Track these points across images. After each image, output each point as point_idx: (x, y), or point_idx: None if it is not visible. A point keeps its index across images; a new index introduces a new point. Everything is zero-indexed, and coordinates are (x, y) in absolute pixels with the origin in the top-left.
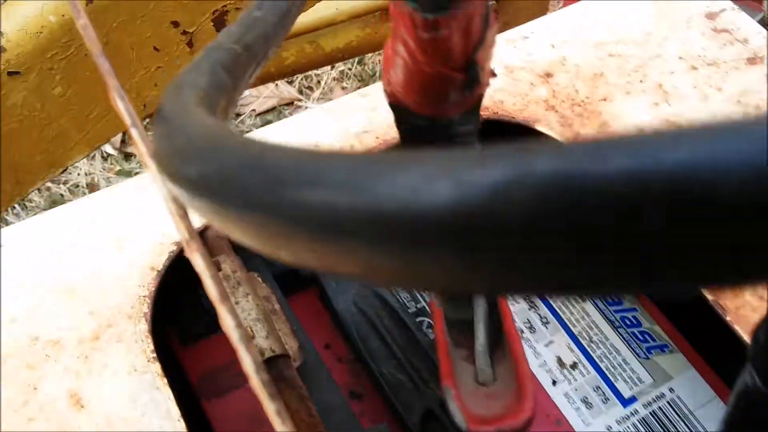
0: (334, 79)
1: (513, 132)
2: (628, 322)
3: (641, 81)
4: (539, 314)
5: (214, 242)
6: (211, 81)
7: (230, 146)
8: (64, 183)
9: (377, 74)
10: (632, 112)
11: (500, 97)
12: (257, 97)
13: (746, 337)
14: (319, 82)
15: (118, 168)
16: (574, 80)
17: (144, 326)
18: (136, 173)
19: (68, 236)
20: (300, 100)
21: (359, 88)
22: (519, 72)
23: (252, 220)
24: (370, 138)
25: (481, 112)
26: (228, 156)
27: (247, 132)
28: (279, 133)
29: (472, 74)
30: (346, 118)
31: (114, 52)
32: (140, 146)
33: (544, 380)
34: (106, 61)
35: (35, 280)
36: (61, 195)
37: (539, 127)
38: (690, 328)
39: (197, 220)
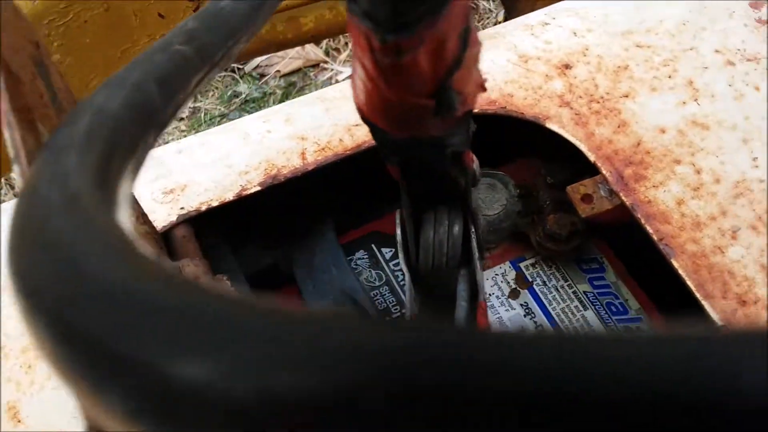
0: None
1: (522, 129)
2: None
3: (669, 76)
4: (535, 321)
5: (180, 244)
6: (120, 122)
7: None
8: None
9: None
10: (656, 112)
11: (510, 89)
12: (283, 58)
13: None
14: (346, 43)
15: None
16: (595, 73)
17: None
18: None
19: None
20: (326, 62)
21: None
22: (534, 62)
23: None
24: (362, 132)
25: (488, 107)
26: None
27: (270, 94)
28: (268, 123)
29: (445, 102)
30: (338, 109)
31: (115, 20)
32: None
33: None
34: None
35: None
36: None
37: (550, 125)
38: None
39: (161, 220)
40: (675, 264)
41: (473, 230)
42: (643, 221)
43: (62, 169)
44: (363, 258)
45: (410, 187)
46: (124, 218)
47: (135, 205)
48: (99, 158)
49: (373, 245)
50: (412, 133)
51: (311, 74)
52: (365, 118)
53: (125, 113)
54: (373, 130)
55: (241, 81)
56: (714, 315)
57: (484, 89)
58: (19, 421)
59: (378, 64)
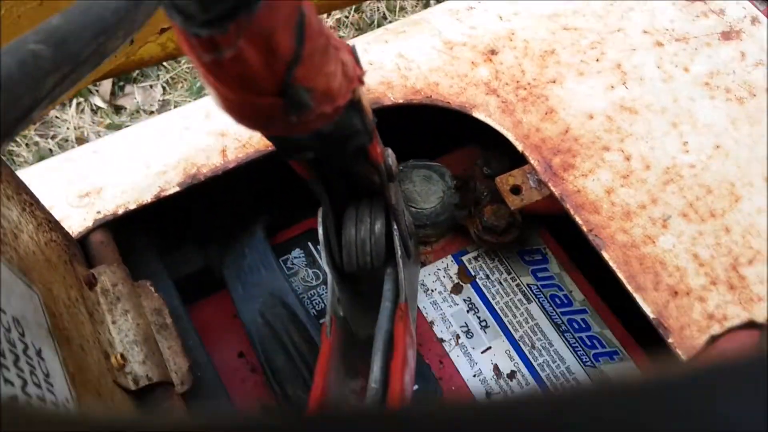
0: (330, 27)
1: (451, 118)
2: (576, 326)
3: (597, 60)
4: (478, 317)
5: (97, 251)
6: None
7: None
8: (53, 138)
9: (375, 23)
10: (583, 97)
11: (435, 78)
12: None
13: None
14: None
15: (107, 121)
16: (521, 59)
17: None
18: (127, 126)
19: None
20: None
21: (356, 36)
22: (459, 49)
23: None
24: None
25: (413, 97)
26: None
27: None
28: (187, 119)
29: (293, 100)
30: None
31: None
32: None
33: (477, 391)
34: None
35: None
36: (50, 150)
37: (477, 114)
38: (644, 332)
39: (78, 225)
40: (605, 256)
41: (396, 227)
42: (572, 212)
43: None
44: (299, 257)
45: (323, 184)
46: None
47: (39, 211)
48: None
49: (309, 243)
50: (283, 133)
51: None
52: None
53: None
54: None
55: None
56: (646, 308)
57: (360, 82)
58: None
59: (201, 62)
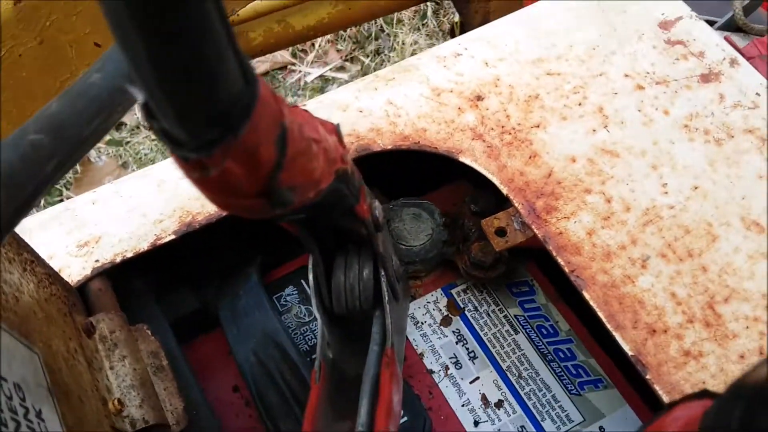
0: (328, 41)
1: (438, 162)
2: (562, 356)
3: (580, 104)
4: (467, 348)
5: (96, 298)
6: None
7: None
8: None
9: (373, 35)
10: (566, 141)
11: (423, 124)
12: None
13: (665, 398)
14: (313, 44)
15: (108, 138)
16: (506, 104)
17: None
18: (127, 142)
19: None
20: (294, 63)
21: (354, 50)
22: (446, 95)
23: None
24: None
25: (401, 143)
26: None
27: None
28: None
29: (276, 200)
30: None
31: (50, 52)
32: None
33: (466, 421)
34: None
35: None
36: None
37: (463, 159)
38: (628, 362)
39: (76, 274)
40: (586, 295)
41: (383, 273)
42: (554, 253)
43: None
44: (292, 294)
45: (312, 238)
46: None
47: (40, 267)
48: None
49: (302, 280)
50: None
51: (279, 77)
52: None
53: None
54: None
55: None
56: (625, 345)
57: (343, 162)
58: None
59: (190, 177)
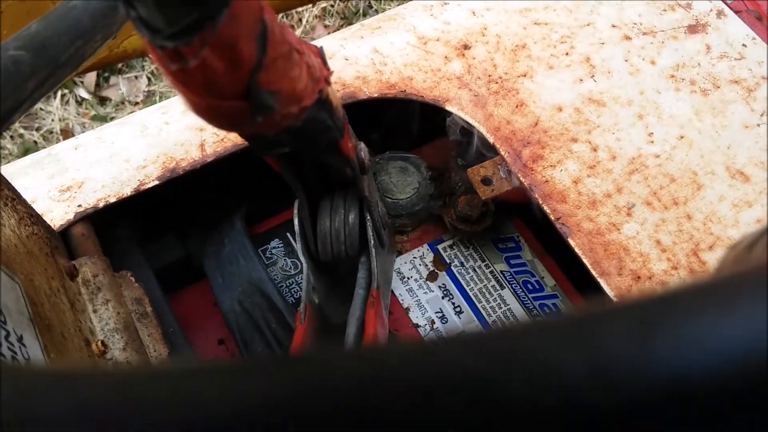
0: (315, 16)
1: (425, 111)
2: (548, 311)
3: (567, 54)
4: (453, 303)
5: (79, 243)
6: None
7: None
8: (38, 129)
9: (361, 11)
10: (553, 90)
11: (410, 73)
12: None
13: None
14: (300, 20)
15: (92, 113)
16: (493, 53)
17: None
18: (112, 118)
19: None
20: None
21: (342, 26)
22: (433, 44)
23: None
24: None
25: (387, 91)
26: None
27: None
28: (166, 114)
29: (256, 102)
30: None
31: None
32: None
33: None
34: None
35: None
36: (35, 142)
37: (450, 108)
38: None
39: (59, 219)
40: (572, 243)
41: (369, 217)
42: (540, 201)
43: None
44: (278, 247)
45: (298, 177)
46: None
47: (21, 205)
48: None
49: (288, 234)
50: (253, 131)
51: None
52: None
53: None
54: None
55: None
56: (609, 292)
57: (327, 82)
58: None
59: (168, 70)
